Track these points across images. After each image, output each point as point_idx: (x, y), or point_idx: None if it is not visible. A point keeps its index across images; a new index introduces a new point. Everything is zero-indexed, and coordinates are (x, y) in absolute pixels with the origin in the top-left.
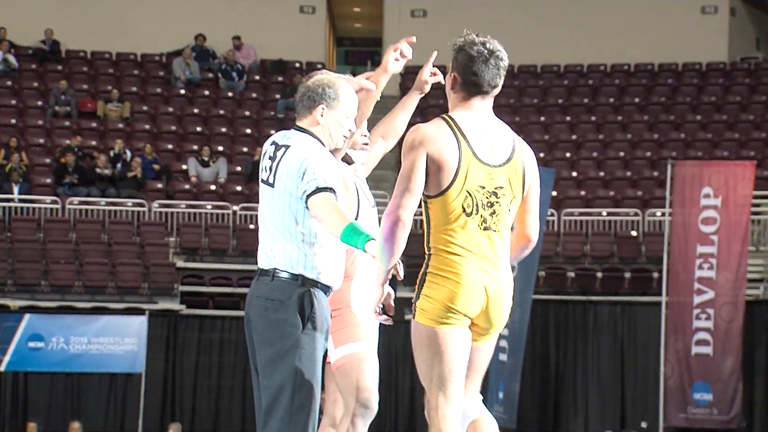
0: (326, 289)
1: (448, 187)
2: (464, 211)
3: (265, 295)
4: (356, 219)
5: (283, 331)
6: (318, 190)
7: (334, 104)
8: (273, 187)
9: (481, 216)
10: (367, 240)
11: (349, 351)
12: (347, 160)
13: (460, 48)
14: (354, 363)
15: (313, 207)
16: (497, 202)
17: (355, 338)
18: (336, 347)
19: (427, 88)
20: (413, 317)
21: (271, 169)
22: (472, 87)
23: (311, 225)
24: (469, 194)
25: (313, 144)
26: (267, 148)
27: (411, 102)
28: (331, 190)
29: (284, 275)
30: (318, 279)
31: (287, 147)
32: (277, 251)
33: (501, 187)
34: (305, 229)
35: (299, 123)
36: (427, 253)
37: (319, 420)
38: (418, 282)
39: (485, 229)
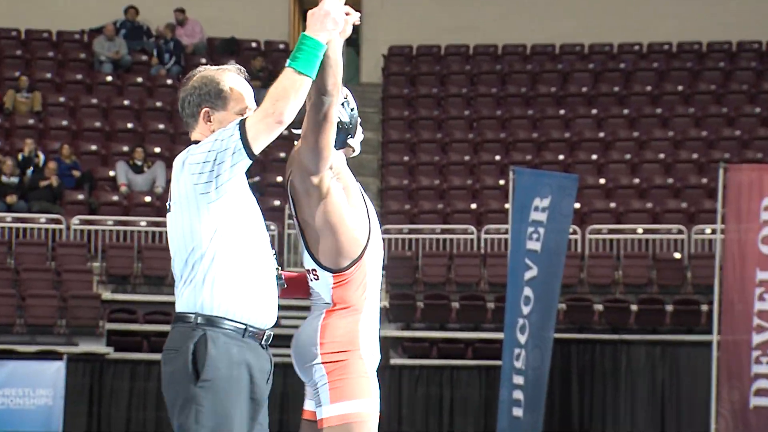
0: (240, 330)
1: None
2: None
3: (166, 345)
4: (370, 231)
5: (177, 387)
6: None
7: (220, 103)
8: (170, 210)
9: None
10: (320, 45)
11: (350, 410)
12: (346, 152)
13: None
14: (353, 426)
15: (253, 123)
16: None
17: (360, 394)
18: (333, 402)
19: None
20: None
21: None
22: None
23: (212, 250)
24: None
25: None
26: None
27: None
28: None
29: (182, 319)
30: (221, 318)
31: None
32: (178, 290)
33: None
34: (202, 254)
35: (192, 136)
36: None
37: None
38: None
39: None
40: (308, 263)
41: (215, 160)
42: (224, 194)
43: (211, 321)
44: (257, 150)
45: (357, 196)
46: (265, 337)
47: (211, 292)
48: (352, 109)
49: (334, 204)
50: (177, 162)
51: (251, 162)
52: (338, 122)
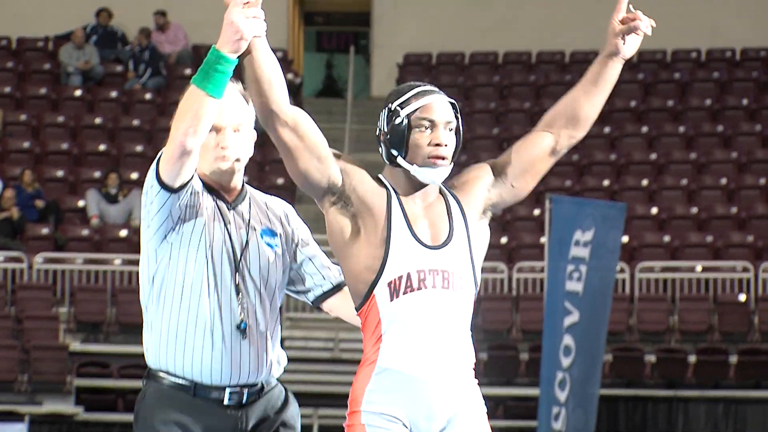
0: (180, 386)
1: None
2: None
3: None
4: (381, 271)
5: None
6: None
7: None
8: None
9: None
10: (226, 60)
11: None
12: (409, 186)
13: None
14: None
15: (164, 151)
16: None
17: None
18: None
19: (627, 47)
20: None
21: None
22: None
23: (152, 294)
24: None
25: None
26: None
27: (603, 73)
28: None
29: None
30: (160, 371)
31: None
32: None
33: None
34: (146, 299)
35: None
36: None
37: None
38: None
39: None
40: None
41: (146, 192)
42: (157, 231)
43: (153, 374)
44: (171, 181)
45: (376, 229)
46: (227, 395)
47: (150, 342)
48: (396, 118)
49: (332, 233)
50: None
51: (172, 194)
52: (378, 134)
